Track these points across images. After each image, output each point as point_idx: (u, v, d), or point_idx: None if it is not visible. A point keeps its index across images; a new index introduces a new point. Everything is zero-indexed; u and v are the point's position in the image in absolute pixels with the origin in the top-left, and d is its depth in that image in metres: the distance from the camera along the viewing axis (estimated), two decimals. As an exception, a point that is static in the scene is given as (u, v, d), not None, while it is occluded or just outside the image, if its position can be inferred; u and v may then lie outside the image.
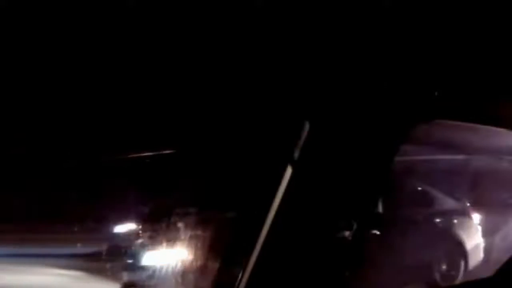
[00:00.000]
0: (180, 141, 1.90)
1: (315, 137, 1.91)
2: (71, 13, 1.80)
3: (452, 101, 2.02)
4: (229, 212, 1.91)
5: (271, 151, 2.07)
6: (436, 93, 1.98)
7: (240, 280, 1.88)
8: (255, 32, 1.87)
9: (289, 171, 1.91)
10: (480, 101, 2.06)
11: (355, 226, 1.91)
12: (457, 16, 1.95)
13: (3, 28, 1.73)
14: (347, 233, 1.90)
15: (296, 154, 1.92)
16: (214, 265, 1.84)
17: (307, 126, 1.90)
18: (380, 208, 2.03)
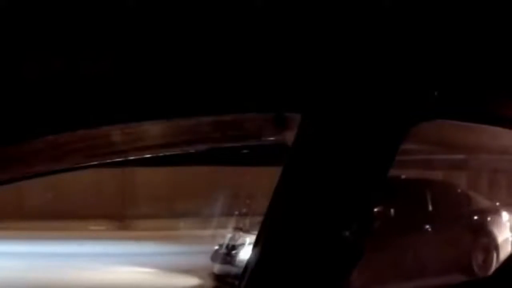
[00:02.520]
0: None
1: (316, 136, 1.91)
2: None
3: (452, 101, 2.02)
4: None
5: (271, 149, 2.07)
6: (436, 93, 1.98)
7: (241, 280, 1.88)
8: (253, 29, 1.87)
9: (288, 170, 1.91)
10: (480, 101, 2.06)
11: (355, 226, 1.92)
12: (457, 16, 1.95)
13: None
14: (347, 233, 1.90)
15: (296, 153, 1.92)
16: None
17: (308, 125, 1.90)
18: (380, 208, 2.04)
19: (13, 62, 1.74)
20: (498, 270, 2.35)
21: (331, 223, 1.91)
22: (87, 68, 1.76)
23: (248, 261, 1.90)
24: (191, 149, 2.12)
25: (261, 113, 1.99)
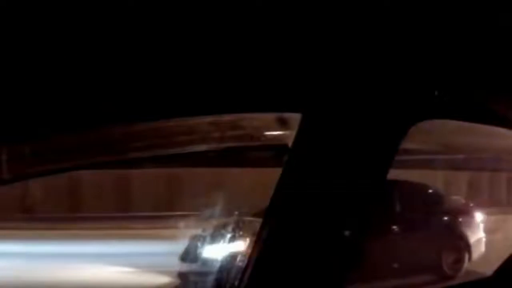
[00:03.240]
0: None
1: (316, 136, 1.92)
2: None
3: (452, 101, 2.02)
4: None
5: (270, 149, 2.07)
6: (436, 93, 1.98)
7: (241, 279, 1.88)
8: (253, 29, 1.87)
9: (288, 170, 1.91)
10: (480, 101, 2.07)
11: (355, 226, 1.92)
12: (457, 16, 1.95)
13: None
14: (346, 233, 1.91)
15: (296, 153, 1.92)
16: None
17: (308, 125, 1.91)
18: (379, 208, 2.04)
19: (13, 62, 1.74)
20: (498, 270, 2.35)
21: (331, 223, 1.91)
22: (88, 68, 1.77)
23: (248, 261, 1.90)
24: (191, 149, 2.12)
25: (261, 113, 1.99)
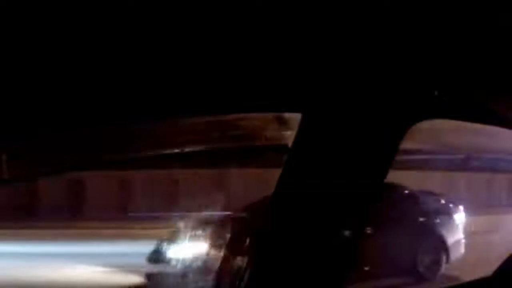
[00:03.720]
0: None
1: (316, 137, 1.92)
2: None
3: (452, 101, 2.02)
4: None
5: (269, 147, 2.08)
6: (436, 93, 1.98)
7: (241, 279, 1.89)
8: (253, 29, 1.87)
9: (288, 170, 1.91)
10: (480, 101, 2.07)
11: (354, 226, 1.92)
12: (457, 16, 1.95)
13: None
14: (346, 233, 1.91)
15: (296, 153, 1.93)
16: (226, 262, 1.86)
17: (308, 125, 1.91)
18: (377, 207, 2.04)
19: (13, 62, 1.74)
20: (498, 270, 2.35)
21: (331, 223, 1.91)
22: (88, 68, 1.77)
23: (247, 261, 1.90)
24: (191, 149, 2.12)
25: (261, 113, 1.99)
